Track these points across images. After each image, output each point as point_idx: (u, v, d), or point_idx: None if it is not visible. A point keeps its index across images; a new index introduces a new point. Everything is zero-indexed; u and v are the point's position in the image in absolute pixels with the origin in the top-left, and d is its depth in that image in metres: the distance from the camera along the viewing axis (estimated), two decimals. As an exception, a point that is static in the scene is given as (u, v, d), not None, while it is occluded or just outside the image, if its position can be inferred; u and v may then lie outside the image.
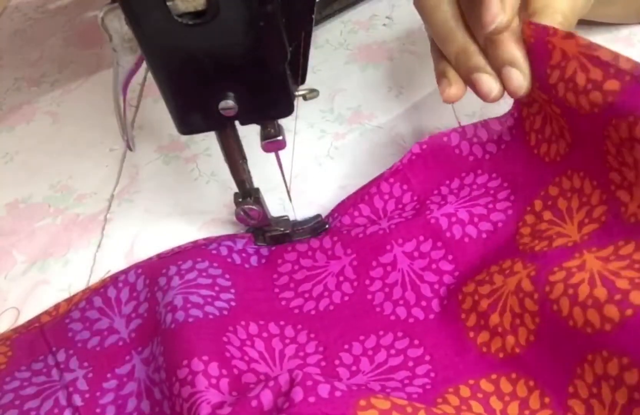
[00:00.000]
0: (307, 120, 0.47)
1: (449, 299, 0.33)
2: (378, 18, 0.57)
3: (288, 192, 0.37)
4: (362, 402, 0.25)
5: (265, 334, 0.33)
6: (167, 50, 0.28)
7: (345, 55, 0.53)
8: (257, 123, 0.32)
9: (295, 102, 0.31)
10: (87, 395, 0.32)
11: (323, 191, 0.42)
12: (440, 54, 0.34)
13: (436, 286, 0.34)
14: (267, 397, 0.26)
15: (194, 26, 0.26)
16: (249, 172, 0.35)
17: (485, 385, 0.29)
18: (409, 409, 0.25)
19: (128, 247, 0.40)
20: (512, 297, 0.30)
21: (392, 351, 0.32)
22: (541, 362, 0.29)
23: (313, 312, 0.34)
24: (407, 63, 0.51)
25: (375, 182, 0.39)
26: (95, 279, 0.38)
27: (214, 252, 0.36)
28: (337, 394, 0.25)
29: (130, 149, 0.35)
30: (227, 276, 0.35)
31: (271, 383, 0.26)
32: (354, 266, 0.35)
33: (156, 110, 0.50)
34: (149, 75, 0.44)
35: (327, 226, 0.38)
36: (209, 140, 0.45)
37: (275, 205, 0.40)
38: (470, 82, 0.32)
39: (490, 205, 0.35)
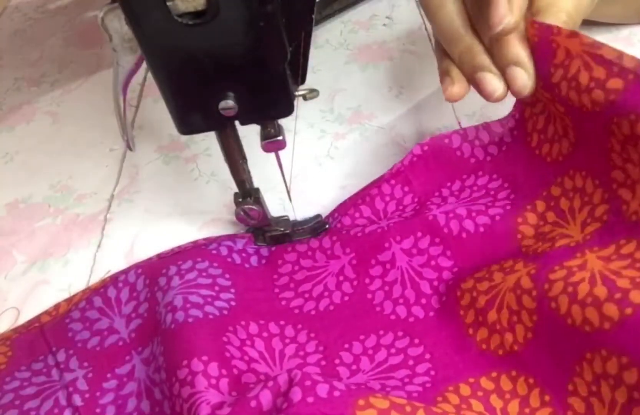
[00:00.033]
0: (307, 120, 0.47)
1: (447, 296, 0.33)
2: (378, 18, 0.57)
3: (288, 192, 0.37)
4: (361, 402, 0.25)
5: (265, 334, 0.33)
6: (167, 50, 0.28)
7: (345, 55, 0.53)
8: (257, 123, 0.32)
9: (295, 102, 0.31)
10: (87, 395, 0.32)
11: (323, 191, 0.42)
12: (444, 53, 0.34)
13: (435, 283, 0.34)
14: (266, 398, 0.26)
15: (194, 26, 0.26)
16: (249, 172, 0.35)
17: (486, 383, 0.29)
18: (408, 408, 0.25)
19: (128, 247, 0.40)
20: (509, 294, 0.30)
21: (393, 350, 0.32)
22: (540, 359, 0.29)
23: (313, 312, 0.34)
24: (407, 63, 0.51)
25: (376, 183, 0.39)
26: (95, 279, 0.38)
27: (214, 252, 0.36)
28: (336, 393, 0.25)
29: (130, 149, 0.35)
30: (227, 276, 0.35)
31: (270, 383, 0.26)
32: (353, 265, 0.35)
33: (156, 110, 0.50)
34: (149, 75, 0.44)
35: (327, 226, 0.38)
36: (209, 140, 0.45)
37: (275, 205, 0.40)
38: (474, 81, 0.32)
39: (490, 204, 0.35)
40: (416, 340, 0.32)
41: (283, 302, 0.35)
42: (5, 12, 0.67)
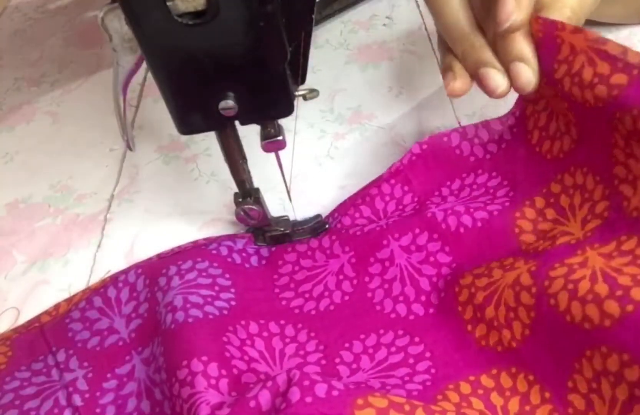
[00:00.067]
0: (307, 120, 0.47)
1: (446, 292, 0.33)
2: (378, 18, 0.57)
3: (288, 192, 0.37)
4: (360, 401, 0.25)
5: (265, 333, 0.33)
6: (167, 50, 0.28)
7: (345, 55, 0.53)
8: (257, 123, 0.32)
9: (295, 102, 0.31)
10: (87, 395, 0.32)
11: (323, 191, 0.42)
12: (447, 48, 0.34)
13: (435, 279, 0.34)
14: (265, 398, 0.26)
15: (194, 26, 0.26)
16: (249, 172, 0.35)
17: (486, 380, 0.29)
18: (407, 407, 0.25)
19: (128, 247, 0.40)
20: (507, 290, 0.30)
21: (393, 349, 0.32)
22: (538, 356, 0.29)
23: (313, 312, 0.34)
24: (407, 63, 0.51)
25: (376, 183, 0.39)
26: (95, 279, 0.38)
27: (214, 252, 0.36)
28: (334, 393, 0.25)
29: (130, 149, 0.35)
30: (227, 276, 0.35)
31: (269, 383, 0.26)
32: (353, 264, 0.35)
33: (156, 110, 0.50)
34: (149, 75, 0.44)
35: (327, 226, 0.38)
36: (209, 140, 0.45)
37: (275, 205, 0.40)
38: (477, 76, 0.31)
39: (489, 201, 0.35)
40: (416, 339, 0.32)
41: (283, 302, 0.35)
42: (5, 12, 0.67)
